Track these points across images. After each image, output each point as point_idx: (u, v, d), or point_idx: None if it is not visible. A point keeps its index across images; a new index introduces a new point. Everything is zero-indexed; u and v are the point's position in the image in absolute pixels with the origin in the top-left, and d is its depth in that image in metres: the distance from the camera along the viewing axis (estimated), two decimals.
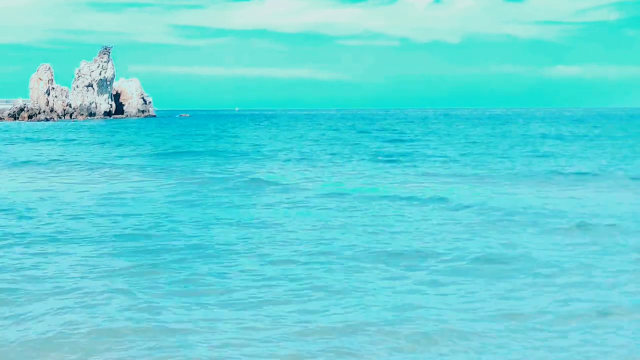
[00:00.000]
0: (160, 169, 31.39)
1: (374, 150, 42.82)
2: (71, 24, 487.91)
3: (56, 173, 29.91)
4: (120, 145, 50.82)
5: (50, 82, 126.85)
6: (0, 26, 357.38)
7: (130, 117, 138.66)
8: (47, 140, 58.17)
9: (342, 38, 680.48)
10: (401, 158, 36.26)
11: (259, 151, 43.25)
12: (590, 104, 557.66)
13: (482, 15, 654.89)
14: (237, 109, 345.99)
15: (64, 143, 53.68)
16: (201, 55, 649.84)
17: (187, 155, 40.54)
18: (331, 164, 33.37)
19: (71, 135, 66.40)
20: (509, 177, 26.28)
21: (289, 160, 36.02)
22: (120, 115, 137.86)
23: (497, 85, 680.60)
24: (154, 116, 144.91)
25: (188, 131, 79.84)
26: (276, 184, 24.62)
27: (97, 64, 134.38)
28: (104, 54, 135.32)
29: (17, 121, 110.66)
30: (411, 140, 54.20)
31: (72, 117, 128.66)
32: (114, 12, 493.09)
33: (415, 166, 31.81)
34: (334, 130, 79.74)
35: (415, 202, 19.53)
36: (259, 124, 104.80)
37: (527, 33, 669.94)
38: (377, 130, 78.45)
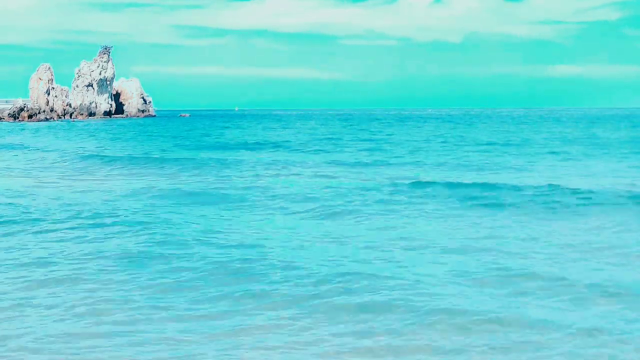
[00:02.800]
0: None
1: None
2: (71, 24, 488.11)
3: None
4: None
5: (50, 82, 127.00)
6: (1, 26, 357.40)
7: (130, 116, 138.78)
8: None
9: (342, 38, 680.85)
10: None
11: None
12: (590, 104, 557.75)
13: (483, 15, 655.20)
14: (236, 108, 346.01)
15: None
16: (201, 55, 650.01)
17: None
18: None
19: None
20: None
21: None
22: (120, 115, 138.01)
23: (497, 85, 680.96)
24: (154, 116, 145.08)
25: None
26: None
27: (97, 64, 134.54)
28: (104, 53, 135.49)
29: (17, 121, 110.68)
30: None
31: (72, 116, 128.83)
32: (114, 12, 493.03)
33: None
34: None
35: None
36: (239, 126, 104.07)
37: (527, 33, 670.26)
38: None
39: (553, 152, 39.29)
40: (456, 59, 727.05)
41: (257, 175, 28.08)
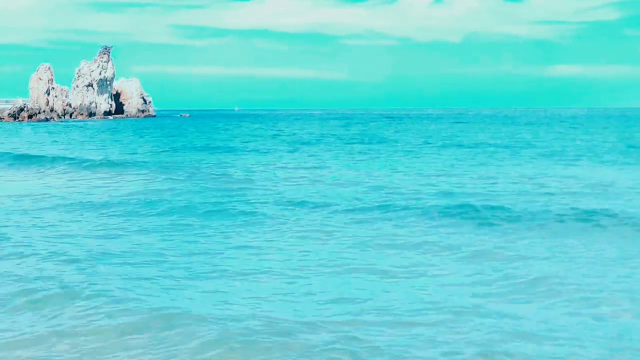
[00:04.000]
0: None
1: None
2: (71, 24, 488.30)
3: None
4: None
5: (50, 82, 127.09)
6: (1, 26, 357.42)
7: (130, 116, 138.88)
8: None
9: (343, 38, 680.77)
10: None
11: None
12: (590, 104, 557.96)
13: (482, 15, 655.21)
14: (236, 108, 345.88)
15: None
16: (201, 55, 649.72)
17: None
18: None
19: None
20: None
21: None
22: (120, 115, 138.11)
23: (497, 85, 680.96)
24: (154, 116, 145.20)
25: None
26: None
27: (97, 64, 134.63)
28: (104, 53, 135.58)
29: (17, 121, 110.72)
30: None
31: (72, 116, 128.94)
32: (114, 12, 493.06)
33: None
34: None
35: None
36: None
37: (527, 33, 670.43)
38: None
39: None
40: (456, 59, 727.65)
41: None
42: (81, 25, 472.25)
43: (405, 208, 18.11)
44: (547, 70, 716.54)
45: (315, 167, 31.31)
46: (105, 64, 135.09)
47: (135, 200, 20.23)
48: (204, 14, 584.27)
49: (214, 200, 20.36)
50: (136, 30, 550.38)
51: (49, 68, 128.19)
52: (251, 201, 20.03)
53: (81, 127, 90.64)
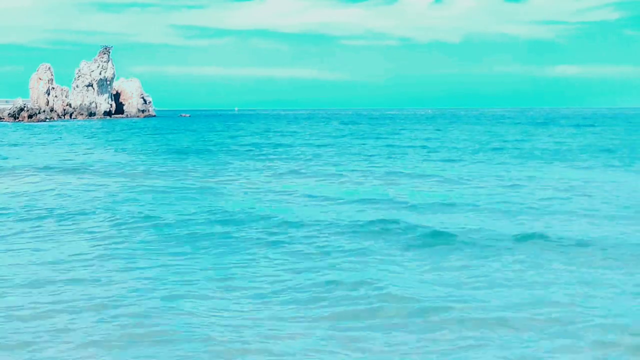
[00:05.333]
0: None
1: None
2: (72, 24, 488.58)
3: None
4: None
5: (50, 82, 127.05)
6: (1, 26, 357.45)
7: (130, 117, 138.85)
8: None
9: (343, 38, 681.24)
10: None
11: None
12: (590, 104, 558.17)
13: (482, 15, 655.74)
14: (236, 109, 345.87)
15: None
16: (201, 55, 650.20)
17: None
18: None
19: None
20: None
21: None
22: (120, 115, 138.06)
23: (497, 85, 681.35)
24: (154, 116, 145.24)
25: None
26: None
27: (97, 64, 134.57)
28: (104, 53, 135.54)
29: (17, 121, 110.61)
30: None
31: (72, 116, 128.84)
32: (114, 12, 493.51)
33: None
34: None
35: None
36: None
37: (527, 33, 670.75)
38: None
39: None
40: (456, 59, 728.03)
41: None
42: (81, 25, 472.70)
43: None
44: (547, 70, 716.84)
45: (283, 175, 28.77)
46: (105, 64, 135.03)
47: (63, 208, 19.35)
48: (204, 14, 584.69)
49: (152, 208, 18.88)
50: (136, 30, 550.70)
51: (49, 68, 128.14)
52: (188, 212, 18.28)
53: (74, 127, 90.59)
